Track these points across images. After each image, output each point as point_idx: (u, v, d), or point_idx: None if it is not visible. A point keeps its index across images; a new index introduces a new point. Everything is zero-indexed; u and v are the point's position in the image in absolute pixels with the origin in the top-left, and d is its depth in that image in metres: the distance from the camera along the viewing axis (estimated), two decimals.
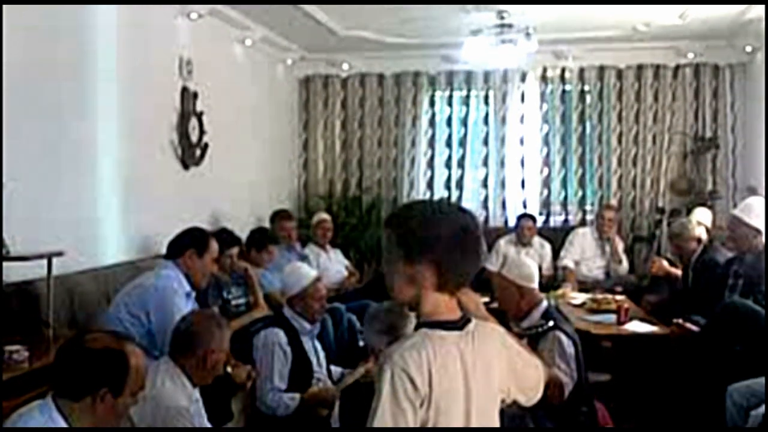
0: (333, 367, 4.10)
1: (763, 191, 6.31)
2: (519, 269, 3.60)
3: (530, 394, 1.93)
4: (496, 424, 1.78)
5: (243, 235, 5.59)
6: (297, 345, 3.79)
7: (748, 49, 7.15)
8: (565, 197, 7.97)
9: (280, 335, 3.75)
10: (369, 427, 1.58)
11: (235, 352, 3.64)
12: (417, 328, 1.71)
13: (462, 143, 8.07)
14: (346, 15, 6.51)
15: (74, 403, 2.09)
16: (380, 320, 3.17)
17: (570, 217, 7.96)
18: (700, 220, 5.87)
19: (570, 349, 3.35)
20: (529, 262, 3.74)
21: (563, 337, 3.35)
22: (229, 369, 3.52)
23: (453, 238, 1.69)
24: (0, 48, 3.70)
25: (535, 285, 3.58)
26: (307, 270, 4.12)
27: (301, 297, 3.89)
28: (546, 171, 7.97)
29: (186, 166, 5.72)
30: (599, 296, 5.78)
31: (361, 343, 5.37)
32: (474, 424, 1.69)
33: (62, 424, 2.07)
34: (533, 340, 3.42)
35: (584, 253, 7.14)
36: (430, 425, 1.61)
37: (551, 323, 3.45)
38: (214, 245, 4.14)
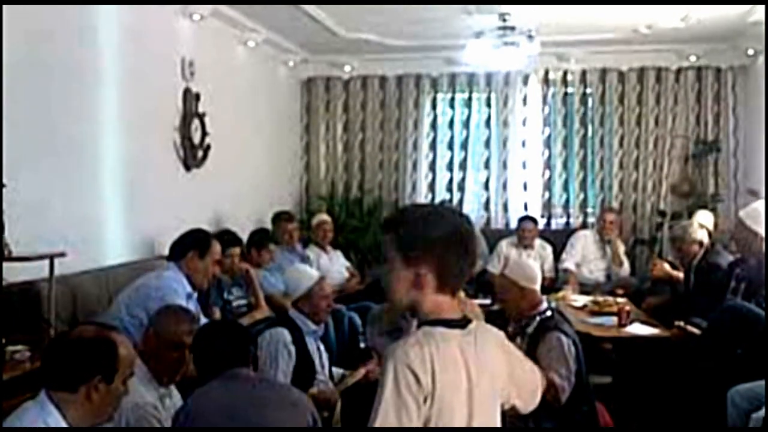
0: (334, 369, 4.11)
1: (764, 194, 6.30)
2: (522, 270, 3.62)
3: (528, 401, 1.94)
4: (498, 423, 1.78)
5: (244, 236, 5.60)
6: (301, 345, 3.79)
7: (750, 51, 7.16)
8: (567, 200, 7.98)
9: (285, 335, 3.75)
10: (372, 422, 1.58)
11: None
12: (419, 327, 1.71)
13: (464, 145, 8.08)
14: (348, 17, 6.51)
15: (69, 395, 2.11)
16: (383, 321, 3.18)
17: (571, 220, 7.96)
18: (702, 223, 5.86)
19: (570, 349, 3.36)
20: (532, 264, 3.77)
21: (563, 338, 3.36)
22: None
23: (450, 239, 1.70)
24: (0, 48, 3.70)
25: (537, 286, 3.60)
26: (310, 271, 4.12)
27: (307, 298, 3.89)
28: (547, 173, 7.98)
29: (188, 168, 5.73)
30: (600, 299, 5.78)
31: (363, 345, 5.37)
32: (476, 423, 1.69)
33: (58, 417, 2.09)
34: (533, 341, 3.43)
35: (585, 255, 7.14)
36: (433, 423, 1.62)
37: (551, 323, 3.46)
38: (216, 247, 4.15)
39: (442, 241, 1.69)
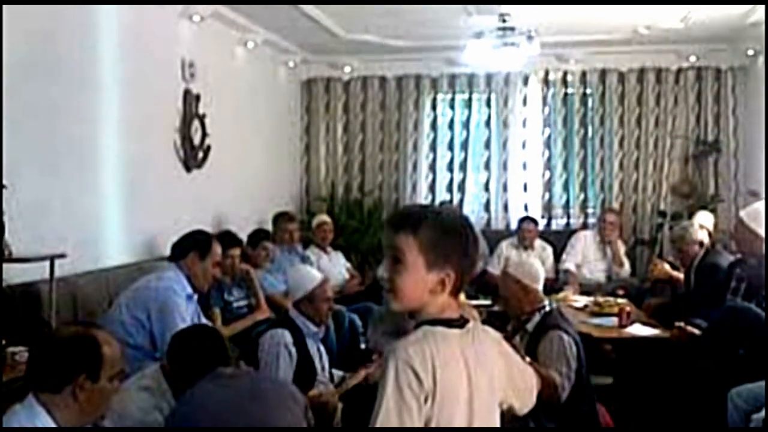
0: (334, 371, 4.10)
1: (764, 194, 6.30)
2: (525, 269, 3.62)
3: (525, 401, 1.95)
4: (498, 422, 1.78)
5: (245, 237, 5.59)
6: (302, 347, 3.78)
7: (750, 52, 7.16)
8: (567, 200, 7.98)
9: (286, 336, 3.74)
10: (373, 421, 1.58)
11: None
12: (417, 326, 1.71)
13: (464, 146, 8.08)
14: (348, 17, 6.51)
15: (55, 396, 2.10)
16: (386, 322, 3.17)
17: (572, 221, 7.96)
18: (702, 224, 5.86)
19: (571, 348, 3.35)
20: (536, 263, 3.76)
21: (564, 336, 3.36)
22: None
23: (468, 242, 1.72)
24: (0, 48, 3.71)
25: (540, 286, 3.60)
26: (313, 272, 4.11)
27: (309, 299, 3.88)
28: (548, 174, 7.98)
29: (188, 169, 5.73)
30: (601, 299, 5.77)
31: (363, 346, 5.37)
32: (476, 422, 1.69)
33: (47, 418, 2.08)
34: (533, 339, 3.43)
35: (586, 256, 7.14)
36: (434, 422, 1.61)
37: (552, 321, 3.46)
38: (217, 248, 4.14)
39: (463, 244, 1.70)
